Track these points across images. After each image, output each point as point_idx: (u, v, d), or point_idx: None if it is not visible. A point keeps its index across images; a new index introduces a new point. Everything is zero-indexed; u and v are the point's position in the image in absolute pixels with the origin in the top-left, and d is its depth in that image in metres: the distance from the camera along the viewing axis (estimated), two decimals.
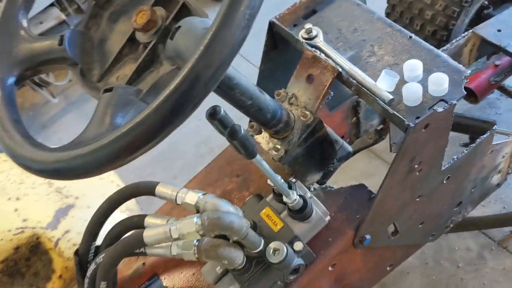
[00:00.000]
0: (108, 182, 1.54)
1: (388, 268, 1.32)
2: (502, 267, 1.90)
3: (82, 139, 0.65)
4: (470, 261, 1.93)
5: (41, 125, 3.20)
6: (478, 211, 1.91)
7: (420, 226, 1.24)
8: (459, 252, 1.96)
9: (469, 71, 0.97)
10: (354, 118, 1.50)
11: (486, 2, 2.05)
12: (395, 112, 0.91)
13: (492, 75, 1.83)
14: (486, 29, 1.62)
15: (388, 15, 2.16)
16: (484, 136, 1.13)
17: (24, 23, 0.83)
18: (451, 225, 1.38)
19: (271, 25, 1.17)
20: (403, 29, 1.09)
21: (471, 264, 1.93)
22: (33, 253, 1.31)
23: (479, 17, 2.06)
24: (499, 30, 1.62)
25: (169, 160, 2.68)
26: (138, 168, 2.52)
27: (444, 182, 1.15)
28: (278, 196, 1.04)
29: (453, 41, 1.62)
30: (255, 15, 0.59)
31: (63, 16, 2.65)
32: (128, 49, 0.80)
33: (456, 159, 1.11)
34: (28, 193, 1.34)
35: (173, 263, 1.23)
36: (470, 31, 1.62)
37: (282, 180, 0.97)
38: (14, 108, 0.74)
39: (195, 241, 0.96)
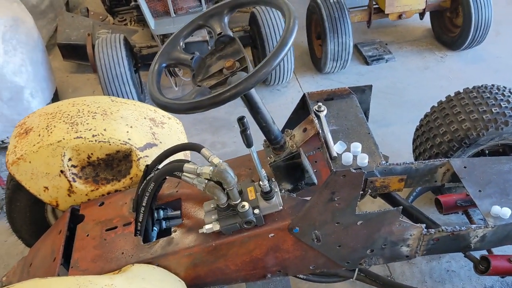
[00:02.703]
0: (180, 141, 2.42)
1: (311, 267, 2.04)
2: None
3: (180, 99, 1.52)
4: None
5: None
6: None
7: (337, 247, 1.95)
8: None
9: (385, 162, 1.71)
10: None
11: (487, 152, 2.70)
12: (330, 161, 1.69)
13: (460, 200, 2.46)
14: (457, 162, 2.29)
15: (419, 127, 2.88)
16: (391, 209, 1.84)
17: (181, 43, 1.74)
18: (364, 264, 2.06)
19: (304, 95, 2.00)
20: (368, 127, 1.86)
21: None
22: (124, 158, 2.21)
23: None
24: (465, 167, 2.28)
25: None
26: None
27: (358, 224, 1.86)
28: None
29: (432, 160, 2.30)
30: (259, 81, 1.42)
31: (207, 38, 3.71)
32: (218, 73, 1.66)
33: (368, 212, 1.83)
34: (138, 126, 2.26)
35: (193, 198, 2.06)
36: (446, 159, 2.30)
37: (263, 171, 1.76)
38: (159, 76, 1.64)
39: (206, 181, 1.79)
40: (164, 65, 1.69)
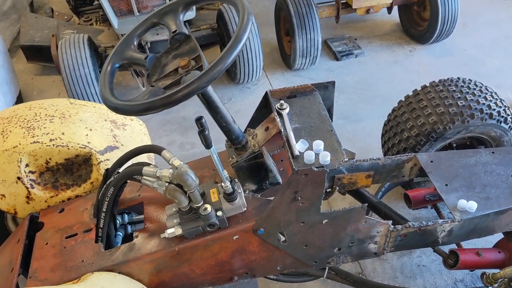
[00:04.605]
0: (143, 142, 2.36)
1: (278, 268, 2.00)
2: None
3: (132, 100, 1.46)
4: None
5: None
6: None
7: (304, 247, 1.92)
8: None
9: (347, 159, 1.68)
10: None
11: (454, 145, 2.70)
12: (292, 161, 1.65)
13: (429, 194, 2.46)
14: (424, 157, 2.28)
15: (387, 122, 2.87)
16: (356, 207, 1.81)
17: (135, 42, 1.68)
18: (332, 263, 2.04)
19: (267, 93, 1.96)
20: (331, 125, 1.83)
21: None
22: (84, 163, 2.14)
23: None
24: (431, 161, 2.27)
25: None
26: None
27: (324, 222, 1.83)
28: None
29: (398, 155, 2.29)
30: (212, 79, 1.37)
31: None
32: (173, 73, 1.61)
33: (332, 211, 1.80)
34: (97, 129, 2.19)
35: (155, 202, 2.01)
36: (413, 154, 2.29)
37: (225, 172, 1.71)
38: (112, 77, 1.58)
39: (166, 184, 1.73)
40: (117, 65, 1.62)
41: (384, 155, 2.91)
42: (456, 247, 2.30)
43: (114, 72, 1.61)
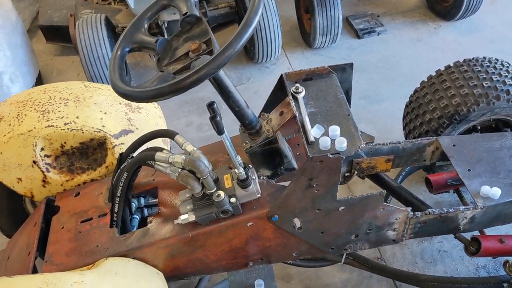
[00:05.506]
0: (160, 128, 2.33)
1: (294, 254, 1.97)
2: None
3: (141, 86, 1.43)
4: None
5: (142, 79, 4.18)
6: None
7: (320, 234, 1.88)
8: None
9: (364, 144, 1.62)
10: None
11: (478, 127, 2.60)
12: (306, 147, 1.60)
13: (451, 178, 2.38)
14: (446, 140, 2.20)
15: (409, 103, 2.78)
16: (374, 193, 1.76)
17: (146, 25, 1.63)
18: (349, 250, 1.99)
19: (282, 76, 1.90)
20: (348, 109, 1.76)
21: None
22: (99, 146, 2.13)
23: None
24: (454, 145, 2.19)
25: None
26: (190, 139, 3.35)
27: (340, 209, 1.78)
28: None
29: (419, 139, 2.21)
30: (222, 65, 1.32)
31: None
32: (184, 57, 1.56)
33: (349, 197, 1.75)
34: (112, 112, 2.17)
35: (170, 186, 1.99)
36: (435, 137, 2.21)
37: (239, 158, 1.67)
38: (122, 62, 1.54)
39: (179, 170, 1.71)
40: (127, 49, 1.59)
41: (405, 138, 2.83)
42: (479, 234, 2.22)
43: (124, 57, 1.58)
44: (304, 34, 4.35)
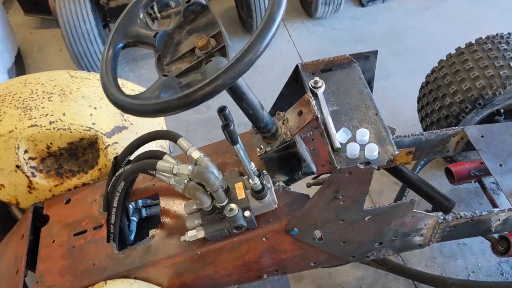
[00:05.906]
0: (156, 124, 2.10)
1: (312, 264, 1.79)
2: None
3: (140, 96, 1.19)
4: None
5: (132, 57, 3.87)
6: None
7: (342, 244, 1.70)
8: None
9: (397, 152, 1.42)
10: None
11: (502, 111, 2.40)
12: (332, 156, 1.39)
13: (474, 169, 2.20)
14: (473, 131, 2.00)
15: (425, 84, 2.55)
16: (404, 202, 1.57)
17: (141, 15, 1.37)
18: (372, 257, 1.82)
19: (297, 67, 1.66)
20: (376, 106, 1.54)
21: None
22: (90, 146, 1.89)
23: (493, 121, 2.42)
24: (482, 136, 1.99)
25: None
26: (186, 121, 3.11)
27: (366, 219, 1.60)
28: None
29: (444, 129, 2.02)
30: (241, 73, 1.08)
31: None
32: (189, 54, 1.32)
33: (377, 207, 1.56)
34: (102, 107, 1.92)
35: (172, 193, 1.77)
36: (461, 127, 2.01)
37: (253, 166, 1.45)
38: (115, 63, 1.29)
39: (185, 181, 1.49)
40: (120, 45, 1.33)
41: (421, 121, 2.62)
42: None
43: (118, 55, 1.32)
44: (305, 3, 4.06)
